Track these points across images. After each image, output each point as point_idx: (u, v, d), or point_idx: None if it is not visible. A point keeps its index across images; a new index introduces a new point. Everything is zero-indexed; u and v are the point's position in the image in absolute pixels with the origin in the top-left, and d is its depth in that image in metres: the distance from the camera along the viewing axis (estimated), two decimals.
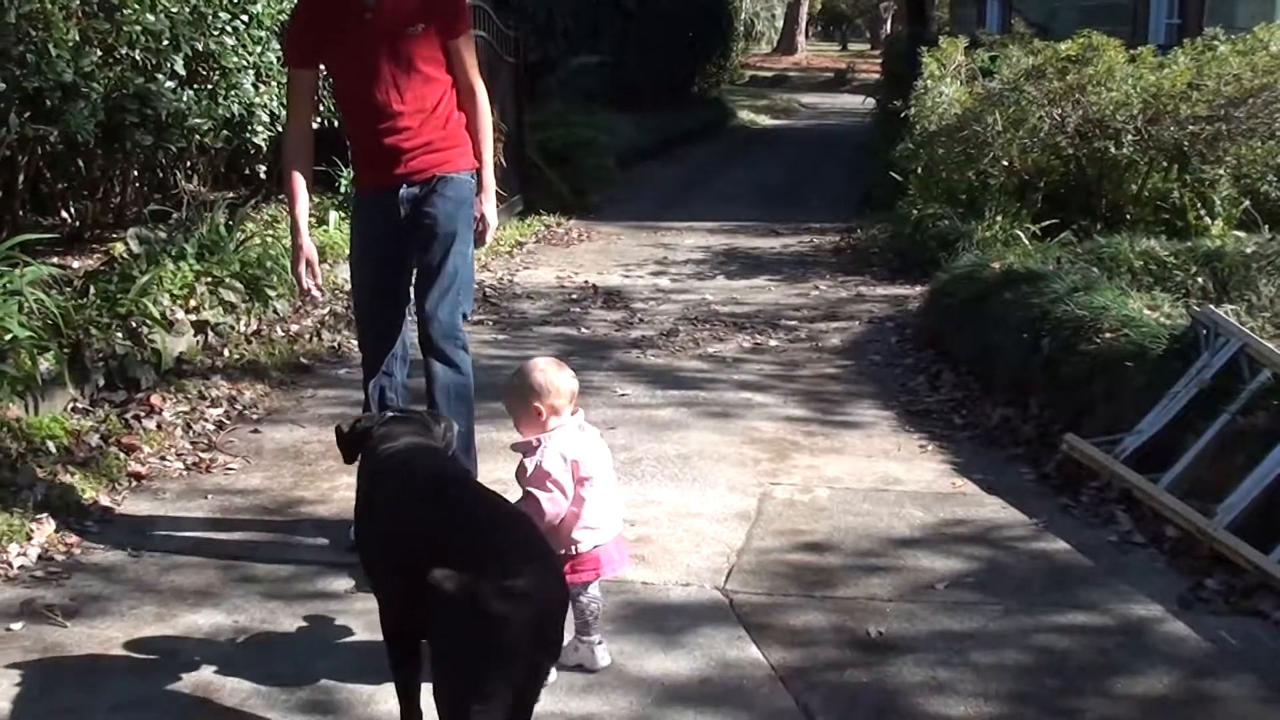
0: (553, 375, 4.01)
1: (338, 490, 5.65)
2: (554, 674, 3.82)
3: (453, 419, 4.29)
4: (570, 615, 3.74)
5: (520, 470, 3.97)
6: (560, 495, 3.90)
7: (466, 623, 3.05)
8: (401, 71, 4.83)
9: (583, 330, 9.09)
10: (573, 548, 3.95)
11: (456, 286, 4.98)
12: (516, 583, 3.06)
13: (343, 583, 4.72)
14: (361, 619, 4.41)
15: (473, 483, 3.88)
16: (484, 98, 5.06)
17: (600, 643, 4.10)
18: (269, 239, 8.93)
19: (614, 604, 4.50)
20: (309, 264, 4.96)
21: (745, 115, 28.70)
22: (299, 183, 4.97)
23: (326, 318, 8.68)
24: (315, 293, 5.02)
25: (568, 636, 3.81)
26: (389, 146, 4.89)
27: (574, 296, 10.23)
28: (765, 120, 29.03)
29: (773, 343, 8.70)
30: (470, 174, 5.03)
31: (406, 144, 4.88)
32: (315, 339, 8.26)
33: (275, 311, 8.35)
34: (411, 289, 5.08)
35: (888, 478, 5.96)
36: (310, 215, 10.41)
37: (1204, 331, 5.88)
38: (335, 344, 8.24)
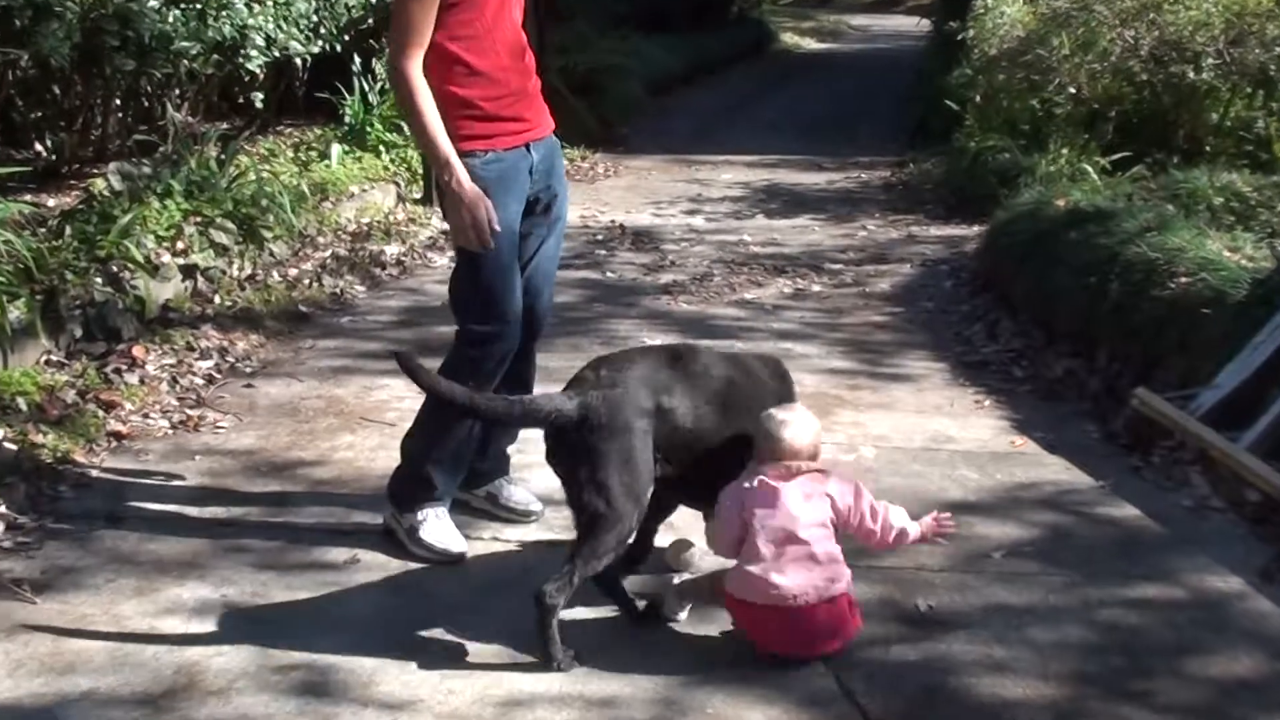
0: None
1: (338, 451, 5.63)
2: None
3: None
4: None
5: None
6: None
7: None
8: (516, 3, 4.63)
9: (608, 274, 9.05)
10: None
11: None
12: None
13: (341, 553, 4.70)
14: (361, 592, 4.39)
15: None
16: None
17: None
18: (265, 175, 8.90)
19: (636, 576, 4.47)
20: (488, 209, 4.44)
21: (788, 38, 28.56)
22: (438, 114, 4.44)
23: (328, 261, 8.65)
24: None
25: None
26: (527, 99, 4.64)
27: (599, 237, 10.19)
28: (810, 43, 28.87)
29: (816, 288, 8.64)
30: None
31: (536, 91, 4.69)
32: (316, 284, 8.23)
33: (271, 254, 8.33)
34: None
35: (940, 435, 5.90)
36: (311, 148, 10.53)
37: None
38: (338, 289, 8.22)
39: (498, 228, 4.40)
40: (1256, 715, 3.76)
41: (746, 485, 3.98)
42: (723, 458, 4.12)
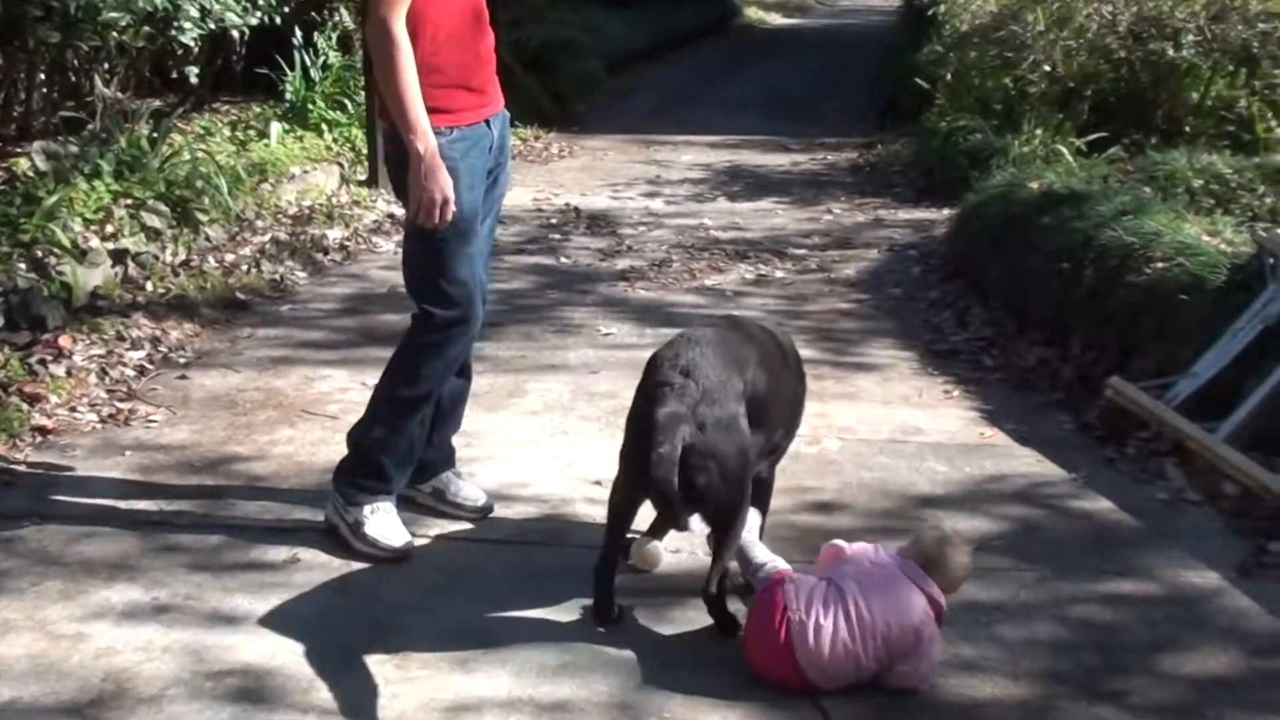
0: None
1: (277, 445, 5.61)
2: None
3: None
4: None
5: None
6: None
7: None
8: None
9: (562, 260, 9.04)
10: None
11: None
12: None
13: (281, 551, 4.68)
14: (302, 592, 4.38)
15: None
16: None
17: None
18: (200, 154, 8.85)
19: (586, 573, 4.48)
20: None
21: (753, 13, 28.60)
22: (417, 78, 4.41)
23: (267, 245, 8.62)
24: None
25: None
26: (489, 66, 4.65)
27: (553, 221, 10.19)
28: (776, 19, 28.91)
29: (779, 274, 8.66)
30: None
31: (493, 66, 4.69)
32: (254, 270, 8.20)
33: (207, 239, 8.29)
34: None
35: (907, 427, 5.93)
36: (249, 127, 10.49)
37: (1271, 260, 5.85)
38: (277, 276, 8.19)
39: (453, 207, 4.40)
40: (1233, 714, 3.79)
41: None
42: (771, 420, 4.33)
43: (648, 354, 4.16)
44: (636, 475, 4.03)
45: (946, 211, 9.88)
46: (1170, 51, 10.32)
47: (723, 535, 4.11)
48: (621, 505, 4.23)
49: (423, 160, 4.30)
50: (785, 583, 3.94)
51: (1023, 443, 5.75)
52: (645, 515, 4.33)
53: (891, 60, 16.42)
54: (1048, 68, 10.81)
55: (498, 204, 4.85)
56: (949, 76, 11.91)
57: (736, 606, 4.20)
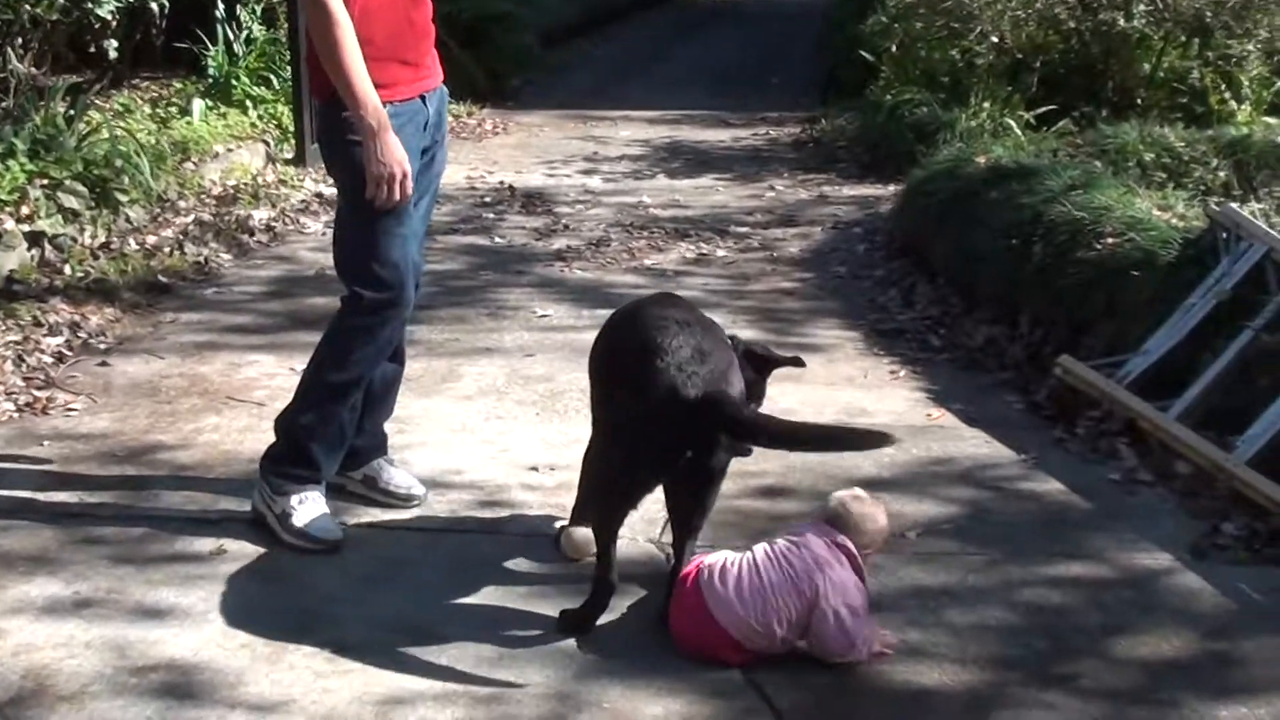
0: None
1: (202, 433, 5.59)
2: None
3: None
4: None
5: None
6: None
7: None
8: None
9: (496, 239, 9.04)
10: None
11: None
12: None
13: (206, 543, 4.66)
14: (229, 585, 4.36)
15: None
16: None
17: None
18: (119, 132, 8.79)
19: (531, 561, 4.50)
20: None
21: None
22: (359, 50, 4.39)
23: (190, 227, 8.57)
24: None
25: None
26: (425, 39, 4.62)
27: (487, 200, 10.18)
28: None
29: (720, 253, 8.68)
30: None
31: (431, 33, 4.66)
32: (177, 253, 8.15)
33: (127, 220, 8.24)
34: None
35: (852, 408, 5.96)
36: (171, 104, 10.41)
37: (1224, 235, 5.90)
38: (201, 258, 8.14)
39: (411, 183, 4.40)
40: (1187, 698, 3.82)
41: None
42: None
43: (586, 336, 4.18)
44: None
45: (892, 187, 9.93)
46: (1121, 22, 10.39)
47: (702, 510, 4.18)
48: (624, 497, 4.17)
49: (376, 135, 4.29)
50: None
51: (970, 424, 5.79)
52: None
53: (834, 32, 16.43)
54: (995, 39, 10.87)
55: (434, 184, 4.84)
56: (894, 48, 11.94)
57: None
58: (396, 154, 4.32)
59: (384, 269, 4.52)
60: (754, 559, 3.98)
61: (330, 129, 4.47)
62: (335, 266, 4.70)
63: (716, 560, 4.02)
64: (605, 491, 4.22)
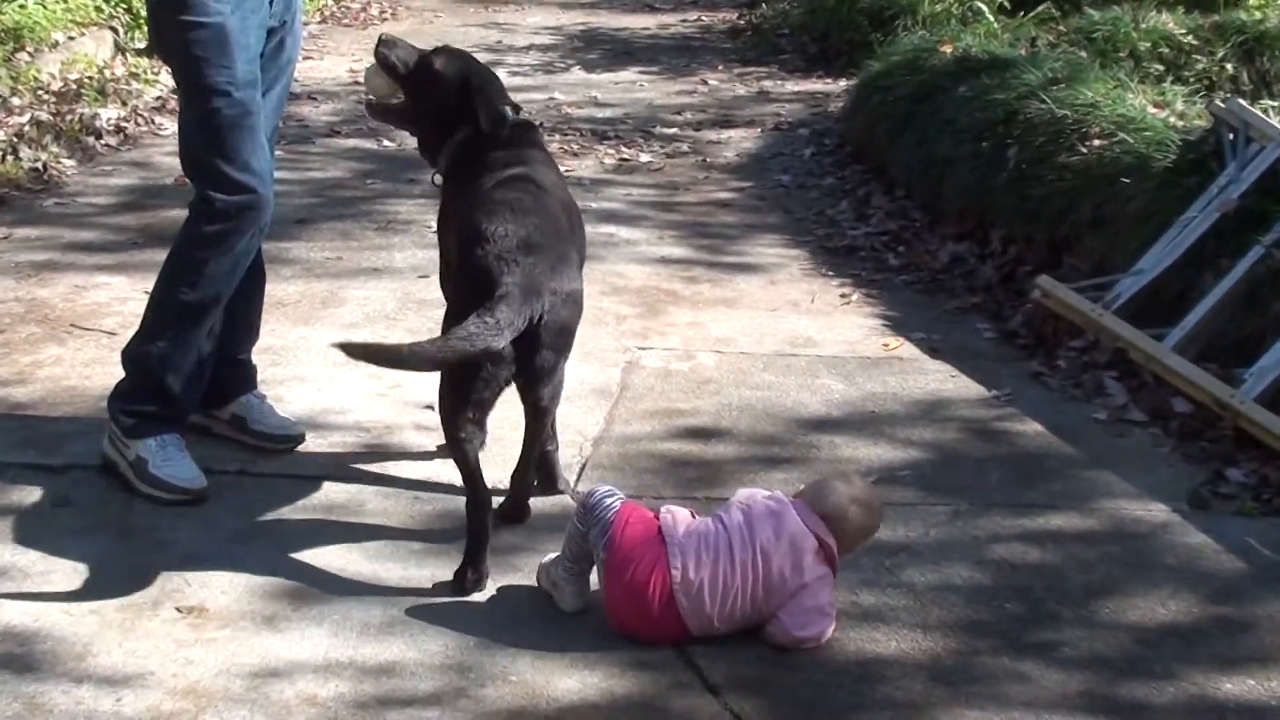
0: None
1: (42, 366, 5.53)
2: None
3: None
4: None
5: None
6: None
7: None
8: None
9: (385, 143, 9.00)
10: None
11: None
12: None
13: (48, 493, 4.62)
14: (75, 541, 4.31)
15: None
16: None
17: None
18: None
19: (426, 513, 4.48)
20: None
21: None
22: None
23: (26, 128, 8.48)
24: None
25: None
26: None
27: None
28: None
29: (645, 157, 8.67)
30: None
31: None
32: (10, 158, 8.06)
33: None
34: None
35: (797, 338, 5.96)
36: None
37: (1230, 136, 5.92)
38: (39, 164, 8.06)
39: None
40: (1186, 668, 3.83)
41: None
42: None
43: None
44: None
45: (844, 83, 9.95)
46: None
47: (550, 414, 4.38)
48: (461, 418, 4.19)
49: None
50: (663, 530, 3.95)
51: (934, 355, 5.81)
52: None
53: None
54: None
55: (286, 72, 4.78)
56: None
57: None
58: None
59: (232, 169, 4.45)
60: (734, 548, 3.87)
61: (159, 3, 4.42)
62: (181, 168, 4.65)
63: (685, 551, 3.87)
64: (447, 387, 4.26)
